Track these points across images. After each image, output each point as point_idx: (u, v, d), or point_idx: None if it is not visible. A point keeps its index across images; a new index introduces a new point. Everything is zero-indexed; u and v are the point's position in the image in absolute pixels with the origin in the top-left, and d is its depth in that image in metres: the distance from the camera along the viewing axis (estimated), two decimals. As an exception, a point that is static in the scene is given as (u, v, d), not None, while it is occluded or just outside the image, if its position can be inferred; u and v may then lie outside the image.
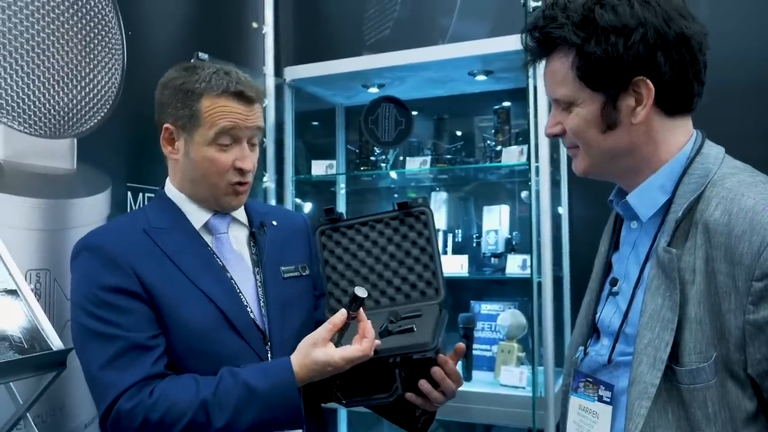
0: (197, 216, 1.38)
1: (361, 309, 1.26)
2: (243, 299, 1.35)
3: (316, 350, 1.23)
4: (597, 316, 1.13)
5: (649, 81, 0.99)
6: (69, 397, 1.76)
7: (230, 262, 1.38)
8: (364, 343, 1.22)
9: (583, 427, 1.09)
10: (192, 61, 2.14)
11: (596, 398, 1.07)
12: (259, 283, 1.39)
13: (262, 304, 1.37)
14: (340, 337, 1.30)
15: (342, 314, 1.25)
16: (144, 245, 1.31)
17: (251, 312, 1.35)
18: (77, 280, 1.30)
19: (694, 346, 0.95)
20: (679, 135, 1.05)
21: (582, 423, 1.09)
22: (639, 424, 0.96)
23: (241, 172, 1.34)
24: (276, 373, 1.24)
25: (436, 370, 1.27)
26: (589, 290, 1.20)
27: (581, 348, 1.14)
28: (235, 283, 1.36)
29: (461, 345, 1.36)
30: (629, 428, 0.97)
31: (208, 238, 1.39)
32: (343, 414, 2.79)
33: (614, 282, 1.10)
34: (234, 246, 1.41)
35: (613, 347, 1.05)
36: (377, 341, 1.25)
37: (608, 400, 1.05)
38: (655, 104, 1.01)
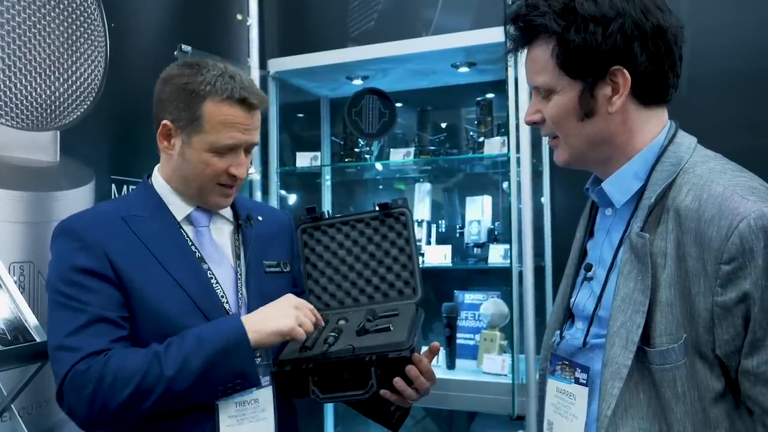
0: (180, 208, 1.40)
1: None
2: (219, 289, 1.36)
3: None
4: (572, 300, 1.16)
5: (625, 71, 1.01)
6: (54, 389, 1.76)
7: (209, 253, 1.39)
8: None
9: (561, 409, 1.12)
10: (175, 53, 2.14)
11: (573, 380, 1.10)
12: (239, 275, 1.41)
13: (240, 295, 1.39)
14: (320, 333, 1.33)
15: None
16: (120, 231, 1.32)
17: (226, 302, 1.36)
18: (53, 261, 1.32)
19: (664, 328, 0.97)
20: (654, 125, 1.07)
21: (559, 405, 1.12)
22: (612, 404, 0.99)
23: (233, 177, 1.36)
24: (224, 319, 1.31)
25: (410, 369, 1.30)
26: (565, 276, 1.23)
27: (557, 332, 1.17)
28: (212, 274, 1.37)
29: (436, 344, 1.40)
30: (602, 408, 1.00)
31: (188, 230, 1.40)
32: (329, 407, 2.80)
33: (588, 267, 1.12)
34: (215, 238, 1.42)
35: (588, 330, 1.08)
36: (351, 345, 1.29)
37: (584, 381, 1.08)
38: (631, 94, 1.03)
